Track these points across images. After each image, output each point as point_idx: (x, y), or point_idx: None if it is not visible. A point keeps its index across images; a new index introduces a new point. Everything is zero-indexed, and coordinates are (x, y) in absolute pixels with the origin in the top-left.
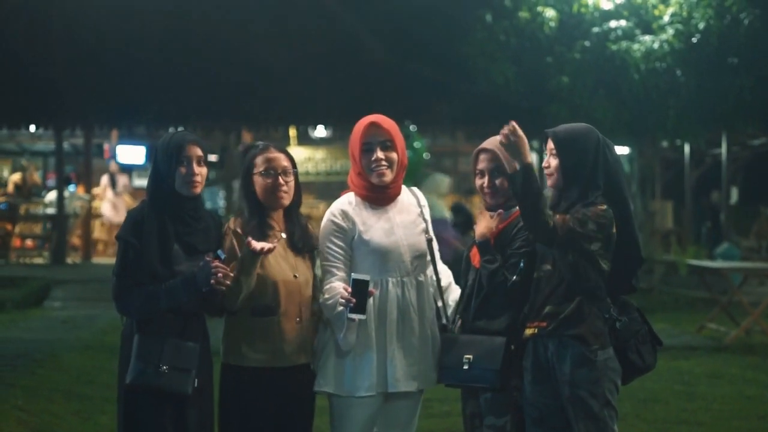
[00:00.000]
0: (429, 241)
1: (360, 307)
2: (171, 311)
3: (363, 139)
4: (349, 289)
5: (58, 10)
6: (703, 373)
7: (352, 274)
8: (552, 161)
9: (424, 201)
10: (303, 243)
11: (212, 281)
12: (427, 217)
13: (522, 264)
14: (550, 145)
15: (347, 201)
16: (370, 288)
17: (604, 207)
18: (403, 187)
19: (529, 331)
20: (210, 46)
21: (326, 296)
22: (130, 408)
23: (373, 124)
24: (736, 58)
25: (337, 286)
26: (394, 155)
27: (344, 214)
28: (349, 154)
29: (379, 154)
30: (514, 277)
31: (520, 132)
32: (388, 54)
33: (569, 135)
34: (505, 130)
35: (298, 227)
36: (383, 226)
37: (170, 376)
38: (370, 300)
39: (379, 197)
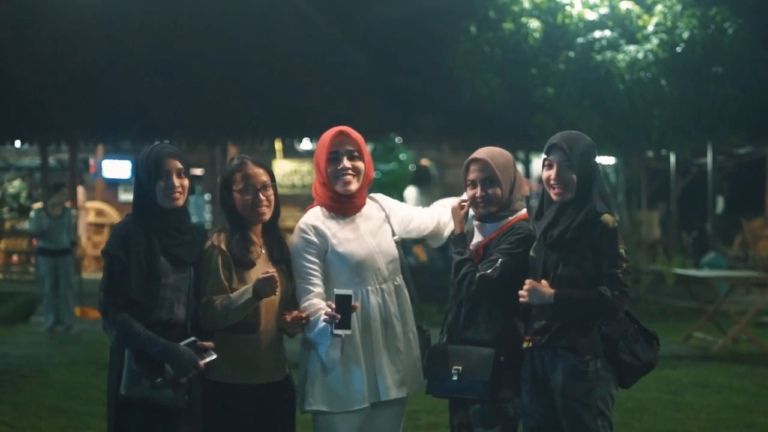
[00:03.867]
0: (397, 244)
1: (345, 323)
2: (161, 325)
3: (330, 147)
4: (333, 305)
5: (44, 26)
6: (690, 382)
7: (335, 289)
8: (566, 173)
9: (386, 204)
10: (281, 255)
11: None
12: (394, 220)
13: (499, 262)
14: (560, 157)
15: (315, 216)
16: (354, 302)
17: (612, 218)
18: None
19: (525, 344)
20: (195, 61)
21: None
22: (122, 421)
23: (341, 133)
24: (721, 67)
25: (317, 303)
26: (360, 164)
27: (315, 229)
28: (314, 165)
29: (346, 162)
30: (488, 271)
31: (530, 288)
32: (373, 67)
33: (581, 145)
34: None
35: (277, 240)
36: (353, 236)
37: (164, 387)
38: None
39: (344, 207)
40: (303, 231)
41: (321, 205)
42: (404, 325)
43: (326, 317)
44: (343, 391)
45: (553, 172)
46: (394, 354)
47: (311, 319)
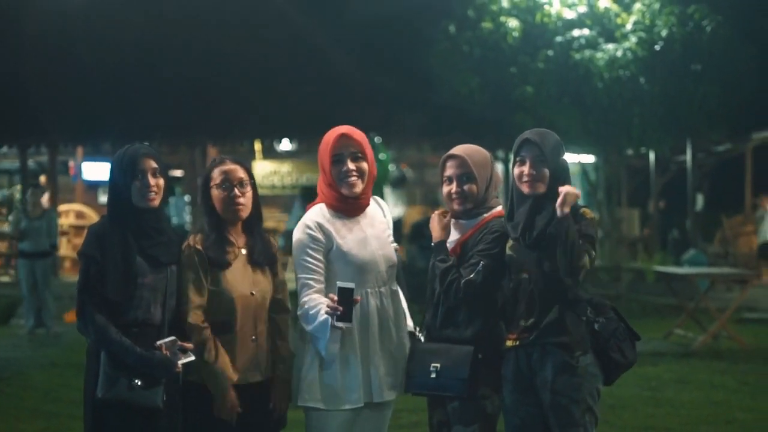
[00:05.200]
0: (396, 251)
1: (346, 315)
2: (138, 325)
3: (333, 150)
4: (335, 298)
5: (23, 30)
6: (671, 378)
7: (338, 282)
8: (540, 168)
9: (387, 210)
10: (263, 257)
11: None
12: (391, 225)
13: (481, 265)
14: (534, 152)
15: (321, 213)
16: (355, 296)
17: (590, 212)
18: None
19: (510, 342)
20: (175, 62)
21: (306, 307)
22: (99, 423)
23: (344, 136)
24: (700, 64)
25: (317, 298)
26: (364, 165)
27: (319, 226)
28: (318, 166)
29: (350, 165)
30: (471, 276)
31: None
32: (353, 66)
33: (552, 140)
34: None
35: (259, 241)
36: (358, 238)
37: (141, 389)
38: (355, 308)
39: (349, 208)
40: (308, 227)
41: (326, 204)
42: (398, 330)
43: (328, 309)
44: (339, 388)
45: (526, 168)
46: (388, 357)
47: (311, 312)
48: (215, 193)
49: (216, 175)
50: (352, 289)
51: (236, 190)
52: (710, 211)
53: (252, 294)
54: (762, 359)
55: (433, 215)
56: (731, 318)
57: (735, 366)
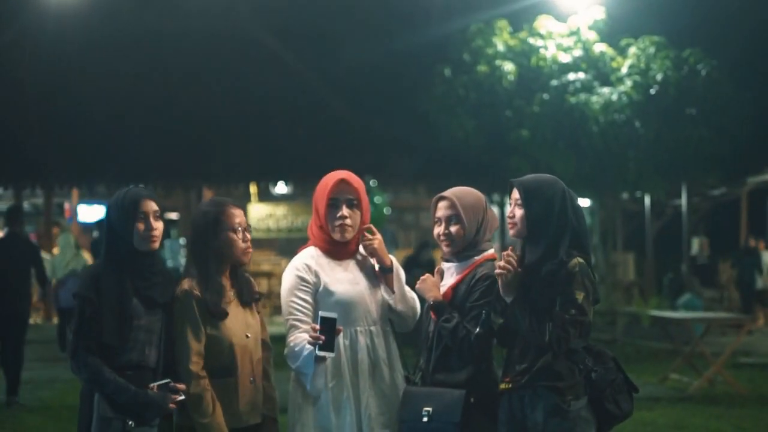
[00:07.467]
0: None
1: (328, 345)
2: (132, 368)
3: (330, 194)
4: (318, 327)
5: (19, 72)
6: (667, 423)
7: (320, 312)
8: (517, 211)
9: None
10: (251, 297)
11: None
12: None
13: (484, 315)
14: (515, 195)
15: (309, 255)
16: (338, 326)
17: (577, 260)
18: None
19: (503, 386)
20: (170, 105)
21: (291, 345)
22: None
23: (343, 181)
24: (695, 108)
25: (303, 337)
26: (358, 215)
27: (307, 268)
28: (312, 207)
29: (345, 211)
30: (477, 330)
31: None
32: (348, 110)
33: (535, 185)
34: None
35: (244, 282)
36: (347, 277)
37: (135, 431)
38: (341, 346)
39: (338, 251)
40: (296, 269)
41: (315, 246)
42: (392, 371)
43: (310, 339)
44: (332, 429)
45: (509, 211)
46: (380, 395)
47: (296, 350)
48: (231, 236)
49: (231, 220)
50: (334, 319)
51: (247, 235)
52: (709, 255)
53: (247, 336)
54: (758, 404)
55: (422, 277)
56: (727, 363)
57: (731, 411)
